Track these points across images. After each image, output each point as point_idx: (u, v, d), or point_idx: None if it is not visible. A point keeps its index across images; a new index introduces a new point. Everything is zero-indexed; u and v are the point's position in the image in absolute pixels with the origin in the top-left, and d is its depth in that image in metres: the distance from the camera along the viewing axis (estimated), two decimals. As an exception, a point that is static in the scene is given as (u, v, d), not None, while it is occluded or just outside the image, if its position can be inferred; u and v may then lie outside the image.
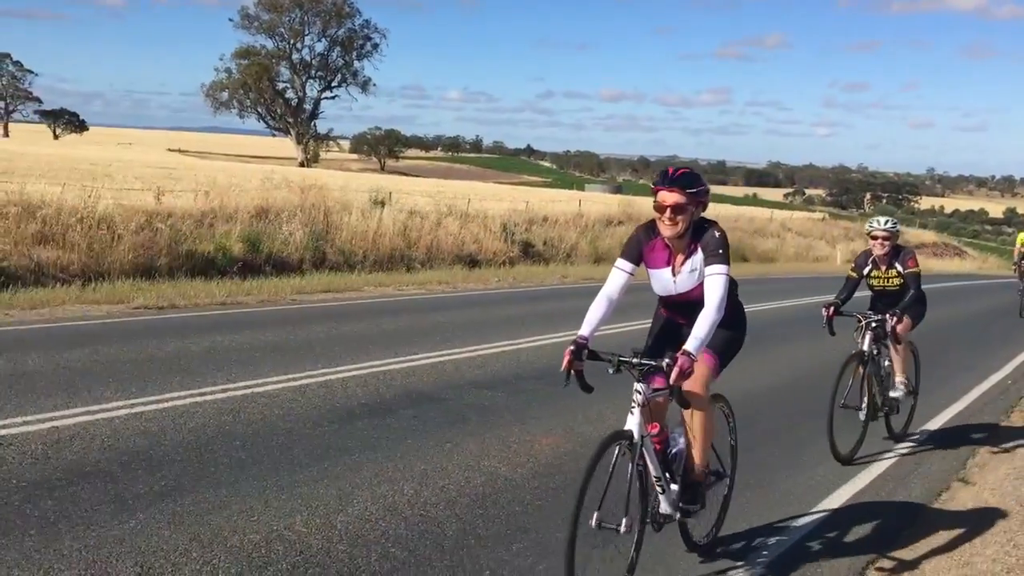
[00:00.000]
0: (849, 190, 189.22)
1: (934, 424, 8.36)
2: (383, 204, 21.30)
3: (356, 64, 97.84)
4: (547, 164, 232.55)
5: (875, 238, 7.48)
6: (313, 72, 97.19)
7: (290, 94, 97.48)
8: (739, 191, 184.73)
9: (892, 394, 7.61)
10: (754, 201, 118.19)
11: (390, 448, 6.27)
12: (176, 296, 12.70)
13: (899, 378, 7.64)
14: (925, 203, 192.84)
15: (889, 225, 7.48)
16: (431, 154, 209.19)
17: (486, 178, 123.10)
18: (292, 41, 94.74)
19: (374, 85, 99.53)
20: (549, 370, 9.34)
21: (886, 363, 7.63)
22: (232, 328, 10.62)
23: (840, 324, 7.45)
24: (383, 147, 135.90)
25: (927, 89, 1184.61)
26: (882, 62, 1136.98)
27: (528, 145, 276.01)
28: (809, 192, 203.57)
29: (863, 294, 7.86)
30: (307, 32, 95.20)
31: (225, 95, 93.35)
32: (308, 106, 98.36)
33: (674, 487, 4.54)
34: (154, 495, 5.09)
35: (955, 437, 7.97)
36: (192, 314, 11.75)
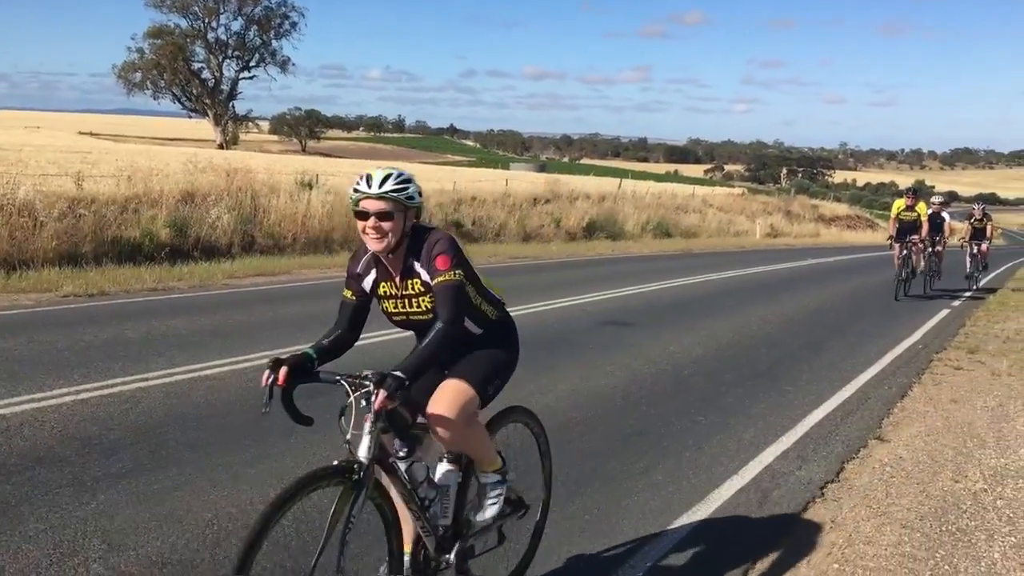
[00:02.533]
0: (766, 165, 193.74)
1: (851, 387, 8.86)
2: (311, 186, 21.20)
3: (274, 43, 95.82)
4: (471, 143, 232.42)
5: None
6: (230, 52, 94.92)
7: (206, 74, 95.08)
8: (660, 168, 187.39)
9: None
10: (675, 178, 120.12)
11: (329, 428, 6.40)
12: (105, 283, 12.56)
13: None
14: (838, 177, 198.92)
15: None
16: (353, 135, 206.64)
17: (410, 158, 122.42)
18: (207, 20, 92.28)
19: (293, 65, 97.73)
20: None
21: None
22: (167, 313, 10.59)
23: (784, 280, 7.81)
24: (304, 128, 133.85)
25: (840, 66, 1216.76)
26: (798, 39, 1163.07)
27: (451, 124, 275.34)
28: (728, 168, 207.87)
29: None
30: (222, 11, 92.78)
31: (138, 76, 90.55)
32: (225, 87, 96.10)
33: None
34: (112, 477, 5.19)
35: (871, 398, 8.47)
36: (124, 300, 11.66)
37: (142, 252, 15.41)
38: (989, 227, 19.65)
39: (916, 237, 16.19)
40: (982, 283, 20.19)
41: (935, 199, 18.19)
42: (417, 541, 3.65)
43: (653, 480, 5.74)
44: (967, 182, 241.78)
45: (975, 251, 19.44)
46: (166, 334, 9.35)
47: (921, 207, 16.49)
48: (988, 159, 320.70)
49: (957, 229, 20.90)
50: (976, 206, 20.10)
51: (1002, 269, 30.46)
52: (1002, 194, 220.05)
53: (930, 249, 17.29)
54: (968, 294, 18.08)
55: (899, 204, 16.75)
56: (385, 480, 3.51)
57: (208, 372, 7.74)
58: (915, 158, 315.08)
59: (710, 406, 7.70)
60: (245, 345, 8.90)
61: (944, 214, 17.76)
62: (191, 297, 12.26)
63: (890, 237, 16.79)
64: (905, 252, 16.27)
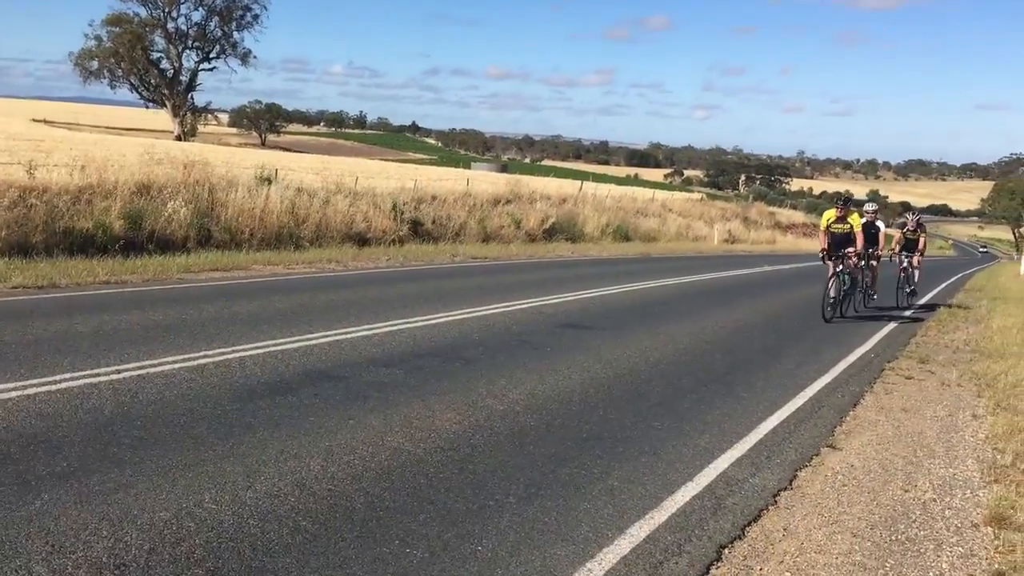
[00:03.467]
0: (725, 172, 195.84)
1: (805, 395, 8.96)
2: (270, 181, 20.95)
3: (235, 35, 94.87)
4: (432, 142, 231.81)
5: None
6: (190, 42, 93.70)
7: (165, 64, 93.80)
8: (621, 171, 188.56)
9: None
10: (636, 181, 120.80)
11: (294, 425, 6.36)
12: (56, 275, 12.29)
13: None
14: (795, 184, 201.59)
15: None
16: (314, 129, 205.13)
17: (371, 155, 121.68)
18: (167, 9, 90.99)
19: (254, 57, 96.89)
20: (446, 347, 9.56)
21: None
22: (119, 308, 10.39)
23: (741, 287, 7.86)
24: (264, 121, 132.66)
25: (800, 75, 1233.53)
26: (760, 47, 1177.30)
27: (413, 122, 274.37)
28: (688, 173, 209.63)
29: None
30: (183, 0, 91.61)
31: (95, 64, 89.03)
32: (184, 77, 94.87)
33: None
34: (57, 476, 5.06)
35: (823, 406, 8.57)
36: (74, 293, 11.41)
37: (95, 244, 15.09)
38: (922, 239, 17.72)
39: (851, 250, 14.46)
40: (919, 302, 18.79)
41: (868, 207, 16.43)
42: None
43: (609, 485, 5.74)
44: (920, 193, 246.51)
45: (906, 264, 17.72)
46: (117, 329, 9.16)
47: (854, 218, 14.74)
48: (940, 171, 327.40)
49: (892, 236, 18.43)
50: (909, 215, 18.37)
51: (954, 279, 31.05)
52: (953, 205, 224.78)
53: (863, 264, 15.67)
54: (908, 313, 16.84)
55: (829, 215, 14.88)
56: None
57: (160, 369, 7.59)
58: (870, 168, 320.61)
59: (667, 411, 7.73)
60: (198, 341, 8.75)
61: (879, 223, 16.41)
62: (144, 291, 12.04)
63: (822, 251, 14.76)
64: (840, 268, 14.57)
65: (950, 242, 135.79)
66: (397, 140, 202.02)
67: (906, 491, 6.20)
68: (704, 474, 6.16)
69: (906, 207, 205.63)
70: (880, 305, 16.95)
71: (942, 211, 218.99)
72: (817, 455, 6.96)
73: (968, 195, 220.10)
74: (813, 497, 5.96)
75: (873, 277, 16.76)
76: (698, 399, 8.29)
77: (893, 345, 12.60)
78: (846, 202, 15.22)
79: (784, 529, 5.35)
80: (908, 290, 17.93)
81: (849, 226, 14.58)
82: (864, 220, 15.52)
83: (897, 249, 17.68)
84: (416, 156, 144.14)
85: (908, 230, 17.70)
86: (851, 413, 8.43)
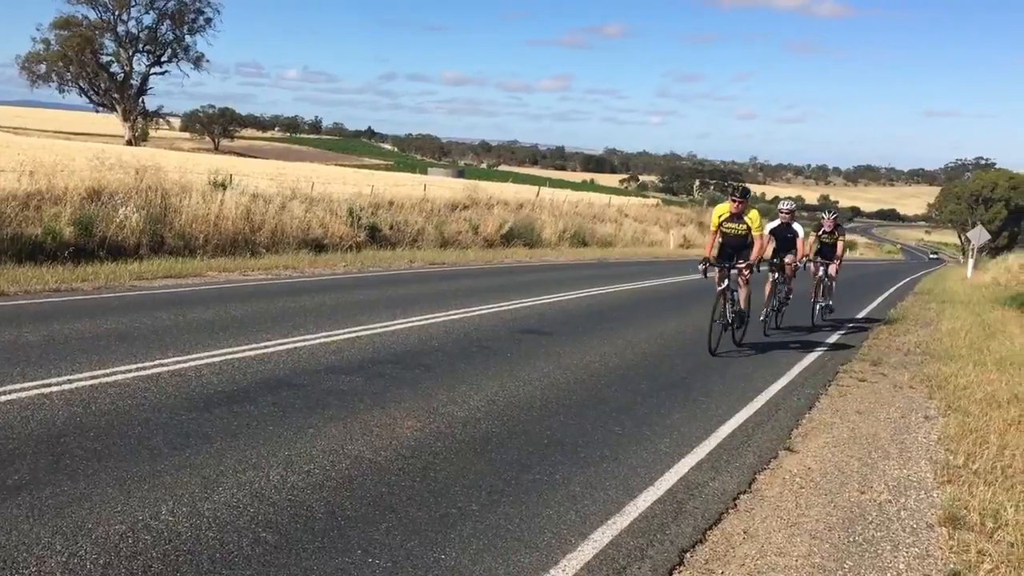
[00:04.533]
0: (679, 177, 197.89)
1: (762, 398, 9.06)
2: (224, 186, 20.69)
3: (188, 39, 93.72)
4: (388, 147, 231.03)
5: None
6: (141, 46, 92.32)
7: (115, 68, 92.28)
8: (577, 176, 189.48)
9: None
10: (592, 187, 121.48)
11: (252, 435, 6.27)
12: (3, 283, 12.01)
13: None
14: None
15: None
16: (268, 134, 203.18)
17: (327, 160, 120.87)
18: (117, 12, 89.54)
19: (207, 61, 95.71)
20: (405, 354, 9.51)
21: None
22: (70, 316, 10.18)
23: (696, 291, 7.91)
24: (217, 126, 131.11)
25: (754, 82, 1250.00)
26: (714, 54, 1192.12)
27: (369, 127, 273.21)
28: (643, 179, 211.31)
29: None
30: (133, 3, 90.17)
31: (43, 68, 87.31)
32: (136, 81, 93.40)
33: None
34: (8, 489, 4.93)
35: (781, 409, 8.68)
36: (24, 301, 11.15)
37: (44, 251, 14.78)
38: (840, 243, 14.84)
39: (743, 263, 11.21)
40: (830, 316, 15.61)
41: (783, 204, 13.70)
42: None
43: (571, 491, 5.75)
44: (869, 198, 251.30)
45: (821, 273, 14.70)
46: (69, 337, 8.97)
47: (753, 216, 11.25)
48: (889, 176, 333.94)
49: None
50: (825, 214, 15.23)
51: (903, 282, 31.64)
52: (901, 210, 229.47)
53: (775, 276, 13.32)
54: (833, 339, 13.66)
55: (721, 211, 11.48)
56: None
57: (113, 378, 7.44)
58: (820, 173, 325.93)
59: (627, 416, 7.76)
60: (152, 350, 8.61)
61: (796, 226, 13.41)
62: (96, 299, 11.81)
63: (705, 260, 11.17)
64: (727, 283, 11.15)
65: (899, 246, 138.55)
66: (353, 145, 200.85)
67: (862, 493, 6.30)
68: (665, 478, 6.20)
69: (856, 212, 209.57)
70: (789, 324, 14.35)
71: (890, 216, 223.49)
72: (775, 458, 7.04)
73: (916, 200, 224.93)
74: (772, 500, 6.02)
75: (786, 293, 13.95)
76: (657, 403, 8.34)
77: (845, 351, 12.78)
78: (744, 194, 11.41)
79: (744, 532, 5.40)
80: (823, 304, 15.06)
81: (746, 227, 11.22)
82: (777, 222, 13.37)
83: (811, 254, 14.69)
84: (372, 162, 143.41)
85: (824, 232, 14.86)
86: (807, 416, 8.54)
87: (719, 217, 11.43)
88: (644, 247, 39.00)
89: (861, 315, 17.30)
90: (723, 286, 11.15)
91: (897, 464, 7.09)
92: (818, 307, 15.02)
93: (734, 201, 11.25)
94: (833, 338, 13.71)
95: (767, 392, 9.34)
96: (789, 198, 15.50)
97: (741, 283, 11.46)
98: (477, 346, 10.33)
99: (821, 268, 14.72)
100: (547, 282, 18.40)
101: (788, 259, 13.31)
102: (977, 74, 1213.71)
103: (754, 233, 11.23)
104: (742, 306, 11.64)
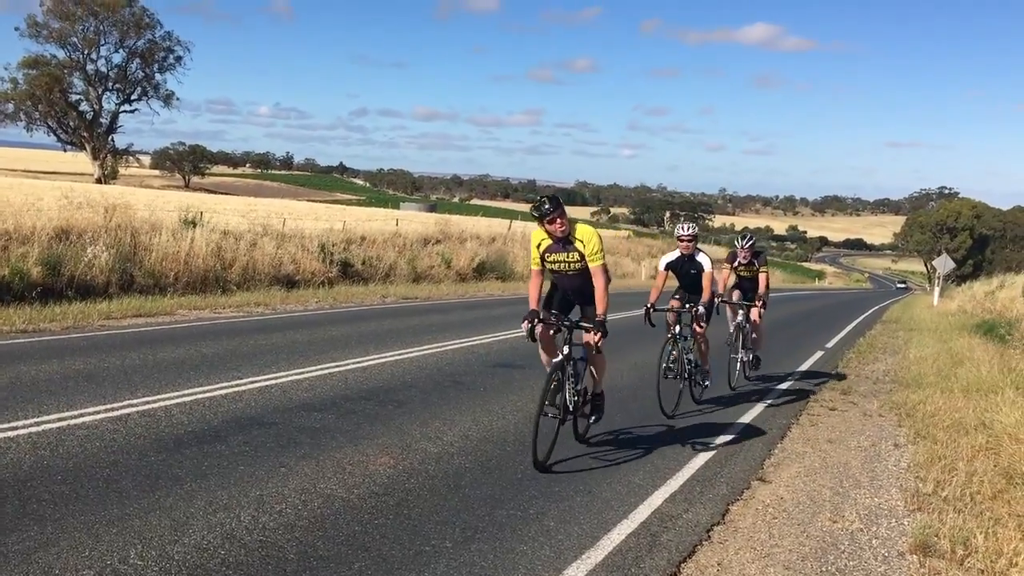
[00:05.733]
0: (650, 209, 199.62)
1: (736, 426, 9.10)
2: (195, 224, 20.60)
3: (158, 77, 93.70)
4: (360, 182, 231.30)
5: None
6: (110, 84, 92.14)
7: (84, 107, 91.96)
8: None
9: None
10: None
11: (222, 475, 6.21)
12: (-31, 324, 11.84)
13: None
14: (718, 221, 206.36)
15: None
16: (239, 171, 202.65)
17: (298, 196, 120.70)
18: (86, 51, 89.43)
19: (177, 99, 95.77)
20: (378, 390, 9.48)
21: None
22: (37, 357, 10.05)
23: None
24: (187, 163, 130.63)
25: (721, 114, 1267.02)
26: (681, 88, 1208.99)
27: (340, 163, 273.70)
28: (614, 211, 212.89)
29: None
30: (103, 42, 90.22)
31: (11, 107, 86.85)
32: (105, 119, 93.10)
33: None
34: (-27, 536, 4.85)
35: (753, 439, 8.72)
36: (-11, 343, 11.00)
37: (11, 291, 14.59)
38: (763, 277, 11.49)
39: (682, 305, 9.78)
40: (755, 373, 12.15)
41: (682, 229, 9.75)
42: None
43: (545, 526, 5.74)
44: (837, 227, 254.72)
45: (740, 319, 11.48)
46: (36, 379, 8.85)
47: (585, 235, 7.19)
48: (855, 206, 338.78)
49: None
50: (739, 241, 11.60)
51: (871, 311, 32.01)
52: (868, 239, 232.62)
53: (675, 331, 9.66)
54: (758, 410, 10.21)
55: (538, 238, 7.43)
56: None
57: (81, 420, 7.35)
58: (788, 204, 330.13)
59: (601, 448, 7.77)
60: (121, 390, 8.51)
61: (701, 258, 9.66)
62: (64, 339, 11.67)
63: (531, 314, 7.28)
64: (567, 344, 7.33)
65: (866, 275, 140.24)
66: (325, 181, 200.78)
67: (834, 522, 6.34)
68: (639, 511, 6.21)
69: (824, 241, 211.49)
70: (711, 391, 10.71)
71: (857, 245, 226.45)
72: (748, 488, 7.07)
73: (882, 229, 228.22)
74: (745, 531, 6.05)
75: (704, 347, 10.10)
76: (632, 435, 8.36)
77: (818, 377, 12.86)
78: (555, 205, 7.14)
79: (718, 564, 5.41)
80: (743, 358, 11.65)
81: (578, 255, 7.18)
82: (675, 255, 9.86)
83: (727, 293, 11.71)
84: (344, 197, 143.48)
85: (740, 264, 11.57)
86: (779, 445, 8.60)
87: (538, 247, 7.37)
88: (616, 279, 39.18)
89: (759, 409, 17.40)
90: (560, 356, 7.18)
91: (868, 492, 7.15)
92: (738, 363, 11.62)
93: (548, 219, 7.02)
94: (806, 365, 13.80)
95: (744, 418, 9.36)
96: (693, 223, 11.98)
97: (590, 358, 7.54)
98: (450, 381, 10.32)
99: (741, 313, 11.52)
100: (520, 315, 18.35)
101: (672, 303, 9.90)
102: (937, 105, 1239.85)
103: (591, 263, 7.07)
104: (589, 385, 7.67)
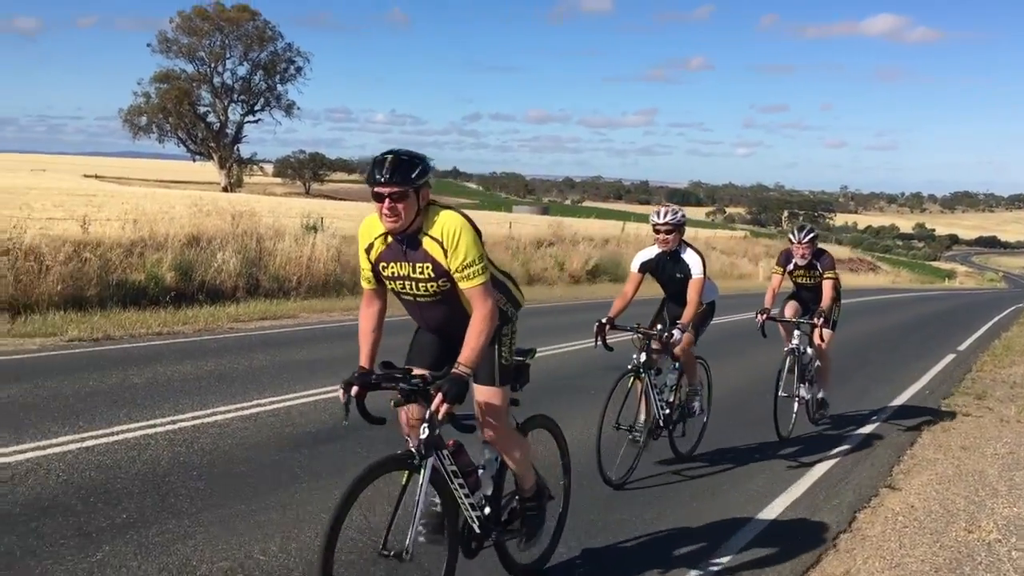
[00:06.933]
0: (767, 208, 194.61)
1: (860, 433, 8.80)
2: (315, 229, 21.25)
3: (279, 87, 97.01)
4: (474, 186, 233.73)
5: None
6: (235, 96, 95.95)
7: (212, 118, 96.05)
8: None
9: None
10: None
11: (337, 473, 6.37)
12: (110, 327, 12.54)
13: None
14: (839, 219, 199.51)
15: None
16: (355, 177, 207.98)
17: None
18: (213, 65, 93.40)
19: (298, 108, 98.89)
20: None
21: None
22: (173, 358, 10.56)
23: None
24: (308, 171, 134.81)
25: (841, 110, 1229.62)
26: (799, 84, 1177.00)
27: (454, 167, 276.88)
28: (729, 211, 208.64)
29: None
30: (228, 56, 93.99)
31: (144, 120, 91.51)
32: (231, 130, 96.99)
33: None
34: (117, 528, 5.13)
35: (881, 445, 8.41)
36: (129, 345, 11.62)
37: (147, 296, 15.39)
38: (828, 285, 8.51)
39: (654, 333, 7.84)
40: (823, 419, 9.27)
41: (658, 215, 7.55)
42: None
43: (659, 531, 5.68)
44: (968, 225, 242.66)
45: (796, 343, 8.50)
46: (171, 379, 9.32)
47: (446, 224, 4.09)
48: (988, 202, 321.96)
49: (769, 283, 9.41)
50: (795, 235, 8.60)
51: (1009, 310, 30.38)
52: (1003, 237, 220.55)
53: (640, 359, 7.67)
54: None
55: (368, 228, 4.33)
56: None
57: (214, 419, 7.70)
58: (915, 201, 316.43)
59: (720, 453, 7.64)
60: (250, 391, 8.87)
61: (689, 255, 7.54)
62: (196, 341, 12.23)
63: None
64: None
65: (1001, 274, 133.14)
66: (439, 185, 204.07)
67: (970, 532, 6.04)
68: (759, 519, 6.07)
69: (954, 239, 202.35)
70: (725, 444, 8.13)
71: (991, 242, 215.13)
72: (876, 495, 6.83)
73: (1017, 225, 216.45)
74: (874, 539, 5.83)
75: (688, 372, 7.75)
76: (751, 442, 8.18)
77: (948, 381, 12.30)
78: (397, 173, 3.88)
79: (845, 573, 5.24)
80: (803, 397, 8.67)
81: (430, 267, 4.17)
82: (653, 252, 7.84)
83: (771, 305, 8.65)
84: (458, 200, 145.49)
85: (796, 267, 8.74)
86: (908, 452, 8.26)
87: (367, 251, 4.37)
88: (733, 280, 38.35)
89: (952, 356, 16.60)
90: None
91: (1006, 502, 6.78)
92: (795, 404, 8.63)
93: (385, 197, 3.93)
94: (934, 371, 13.18)
95: (867, 426, 9.04)
96: (672, 206, 7.70)
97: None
98: (565, 383, 10.35)
99: (797, 336, 8.56)
100: (634, 316, 18.22)
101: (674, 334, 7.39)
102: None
103: (461, 282, 4.15)
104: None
